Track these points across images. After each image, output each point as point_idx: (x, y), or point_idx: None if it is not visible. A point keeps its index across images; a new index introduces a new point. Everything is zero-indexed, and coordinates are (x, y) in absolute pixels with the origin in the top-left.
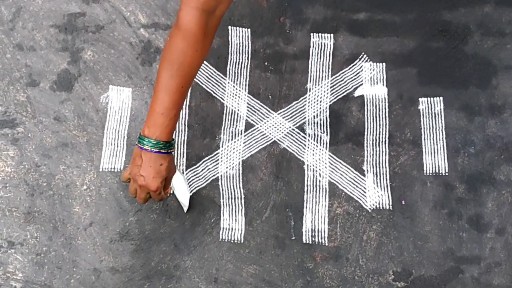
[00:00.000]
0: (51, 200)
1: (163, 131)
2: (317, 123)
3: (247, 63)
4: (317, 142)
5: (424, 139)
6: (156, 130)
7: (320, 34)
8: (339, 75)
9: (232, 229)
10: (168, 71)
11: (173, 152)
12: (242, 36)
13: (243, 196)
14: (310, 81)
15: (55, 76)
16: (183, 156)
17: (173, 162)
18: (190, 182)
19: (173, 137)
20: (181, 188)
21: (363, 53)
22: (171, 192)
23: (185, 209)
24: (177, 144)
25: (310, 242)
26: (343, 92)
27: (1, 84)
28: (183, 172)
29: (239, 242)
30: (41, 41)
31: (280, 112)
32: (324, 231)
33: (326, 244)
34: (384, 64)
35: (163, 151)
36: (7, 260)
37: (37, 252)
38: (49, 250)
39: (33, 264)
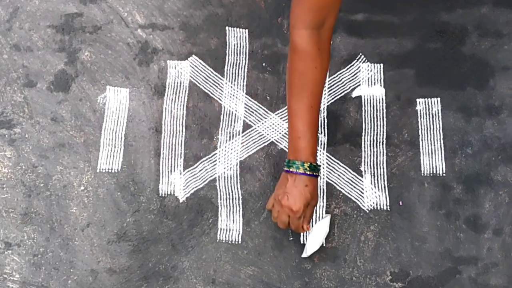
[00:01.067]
0: (48, 201)
1: (304, 153)
2: None
3: (245, 63)
4: None
5: (422, 140)
6: (298, 153)
7: None
8: (337, 75)
9: (229, 230)
10: (294, 96)
11: (319, 179)
12: (240, 36)
13: (240, 197)
14: None
15: (52, 77)
16: (181, 157)
17: (317, 188)
18: (187, 182)
19: (318, 162)
20: (317, 236)
21: (360, 54)
22: (308, 231)
23: (305, 255)
24: (175, 145)
25: None
26: (341, 93)
27: None
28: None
29: (237, 243)
30: (38, 42)
31: (278, 113)
32: None
33: (324, 245)
34: (381, 65)
35: (308, 172)
36: (4, 261)
37: (34, 253)
38: (46, 251)
39: (30, 265)
